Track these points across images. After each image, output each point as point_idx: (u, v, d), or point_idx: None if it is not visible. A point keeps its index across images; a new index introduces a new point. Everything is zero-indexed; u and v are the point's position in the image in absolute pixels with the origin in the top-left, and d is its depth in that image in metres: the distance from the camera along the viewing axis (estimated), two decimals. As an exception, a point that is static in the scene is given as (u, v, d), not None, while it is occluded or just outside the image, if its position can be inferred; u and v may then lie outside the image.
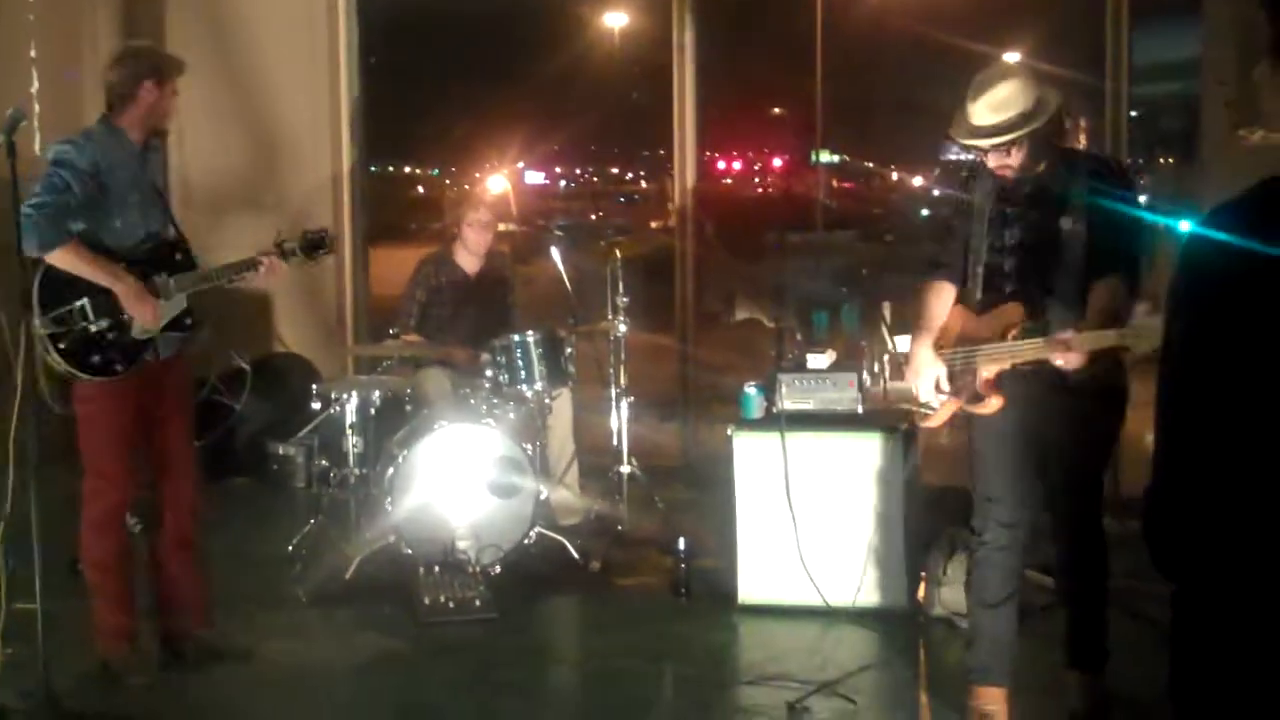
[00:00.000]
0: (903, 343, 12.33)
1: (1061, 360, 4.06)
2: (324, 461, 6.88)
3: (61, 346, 4.77)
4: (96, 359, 4.83)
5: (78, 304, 4.79)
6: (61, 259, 4.74)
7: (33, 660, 4.58)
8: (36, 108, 8.24)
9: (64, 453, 4.85)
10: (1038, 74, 4.47)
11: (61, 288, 4.78)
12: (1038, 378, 4.26)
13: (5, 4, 8.50)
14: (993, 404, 4.41)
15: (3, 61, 8.35)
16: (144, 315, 4.87)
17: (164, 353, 5.01)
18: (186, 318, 5.06)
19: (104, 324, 4.83)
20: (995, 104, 4.27)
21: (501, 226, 7.94)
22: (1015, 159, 4.30)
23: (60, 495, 4.58)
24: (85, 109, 8.48)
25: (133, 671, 5.03)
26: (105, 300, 4.82)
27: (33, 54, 8.41)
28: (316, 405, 6.78)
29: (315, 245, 5.37)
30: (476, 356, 6.59)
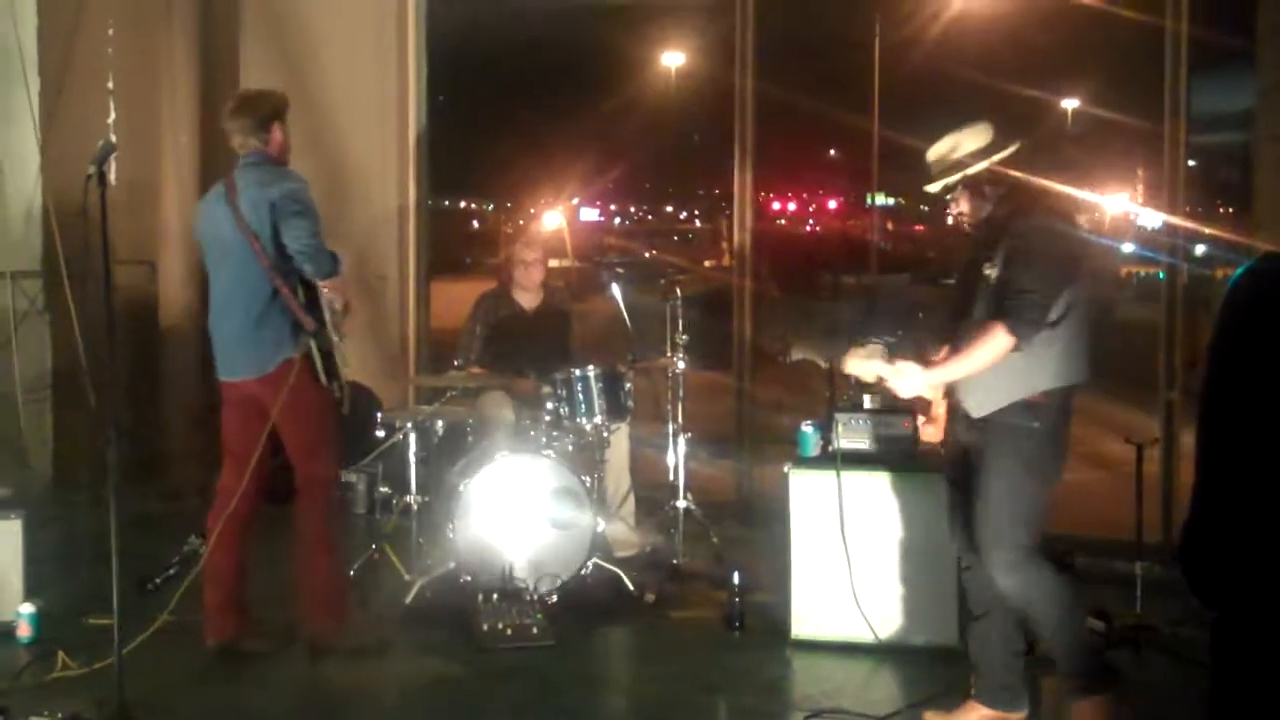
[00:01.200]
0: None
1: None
2: (386, 489, 7.03)
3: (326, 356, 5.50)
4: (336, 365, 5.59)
5: (328, 319, 5.53)
6: (337, 281, 5.51)
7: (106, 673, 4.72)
8: (113, 137, 8.47)
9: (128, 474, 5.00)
10: (1003, 128, 4.72)
11: (316, 309, 5.50)
12: (959, 413, 4.70)
13: (85, 36, 8.74)
14: (928, 432, 5.00)
15: (83, 92, 8.60)
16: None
17: None
18: None
19: (335, 336, 5.58)
20: (936, 152, 4.72)
21: (555, 262, 8.08)
22: (960, 205, 4.72)
23: (127, 515, 4.71)
24: (163, 135, 8.73)
25: (361, 642, 5.66)
26: (332, 317, 5.58)
27: (110, 85, 8.66)
28: (381, 434, 6.93)
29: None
30: (539, 386, 6.72)
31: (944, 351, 4.74)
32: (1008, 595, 4.63)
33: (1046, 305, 4.46)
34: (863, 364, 4.76)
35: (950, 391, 4.77)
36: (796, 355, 5.06)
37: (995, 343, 4.44)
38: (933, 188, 4.72)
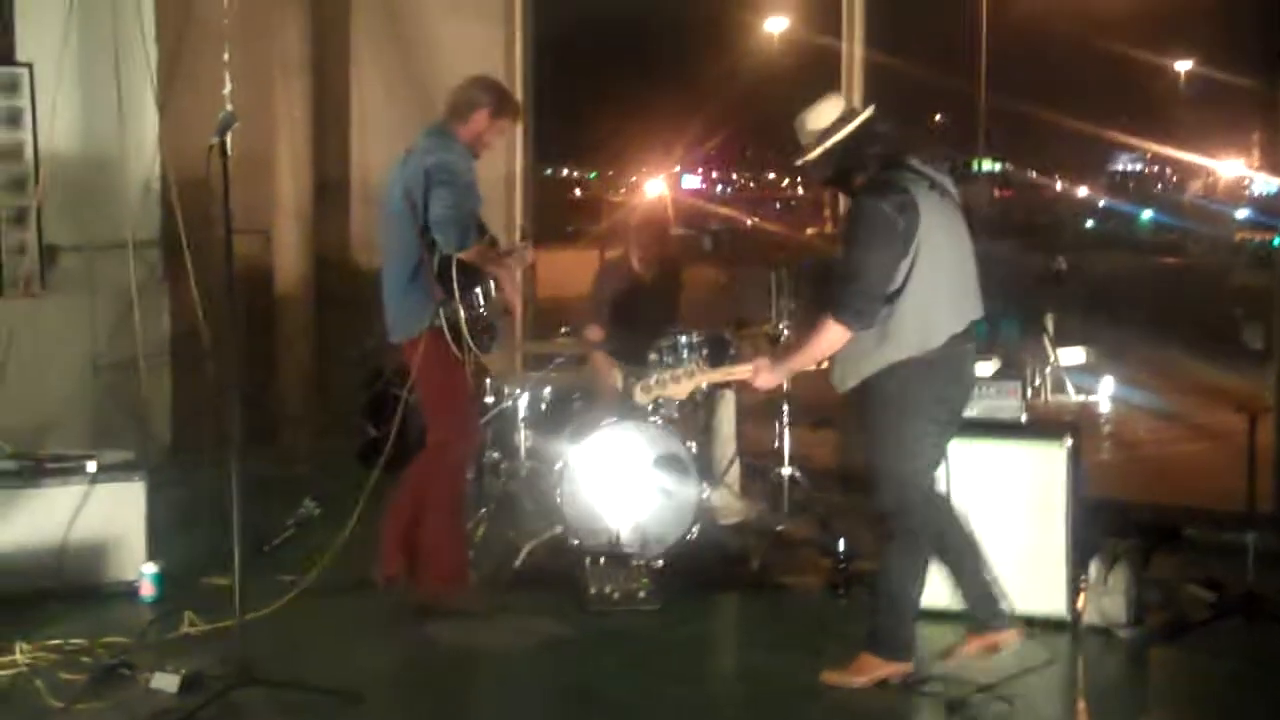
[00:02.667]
0: (1065, 355, 12.24)
1: None
2: (495, 454, 7.14)
3: (467, 329, 5.56)
4: (486, 338, 5.71)
5: (475, 291, 5.64)
6: (470, 253, 5.50)
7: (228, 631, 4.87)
8: (229, 107, 8.63)
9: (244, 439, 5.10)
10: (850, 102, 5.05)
11: (461, 278, 5.54)
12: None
13: (200, 8, 8.91)
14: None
15: (199, 64, 8.76)
16: (517, 301, 5.87)
17: None
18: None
19: (482, 307, 5.69)
20: (800, 125, 4.83)
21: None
22: (819, 176, 4.93)
23: (243, 479, 4.83)
24: (276, 107, 8.89)
25: (477, 603, 5.80)
26: (485, 287, 5.69)
27: (225, 57, 8.81)
28: (489, 399, 7.04)
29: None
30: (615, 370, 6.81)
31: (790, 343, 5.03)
32: (875, 536, 5.08)
33: (873, 291, 4.60)
34: (666, 389, 4.95)
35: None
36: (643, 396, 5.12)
37: (830, 334, 4.67)
38: (800, 160, 4.85)
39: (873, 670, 4.95)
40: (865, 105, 4.98)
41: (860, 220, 4.68)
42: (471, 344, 5.59)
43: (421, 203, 5.49)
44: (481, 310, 5.66)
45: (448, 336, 5.55)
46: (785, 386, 6.97)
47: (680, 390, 5.00)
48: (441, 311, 5.53)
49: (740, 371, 4.99)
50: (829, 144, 4.76)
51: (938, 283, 4.70)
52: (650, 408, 6.29)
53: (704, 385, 5.02)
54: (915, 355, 4.69)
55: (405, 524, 5.79)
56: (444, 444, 5.79)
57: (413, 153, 5.67)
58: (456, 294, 5.52)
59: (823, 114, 4.80)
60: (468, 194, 5.53)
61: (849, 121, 4.76)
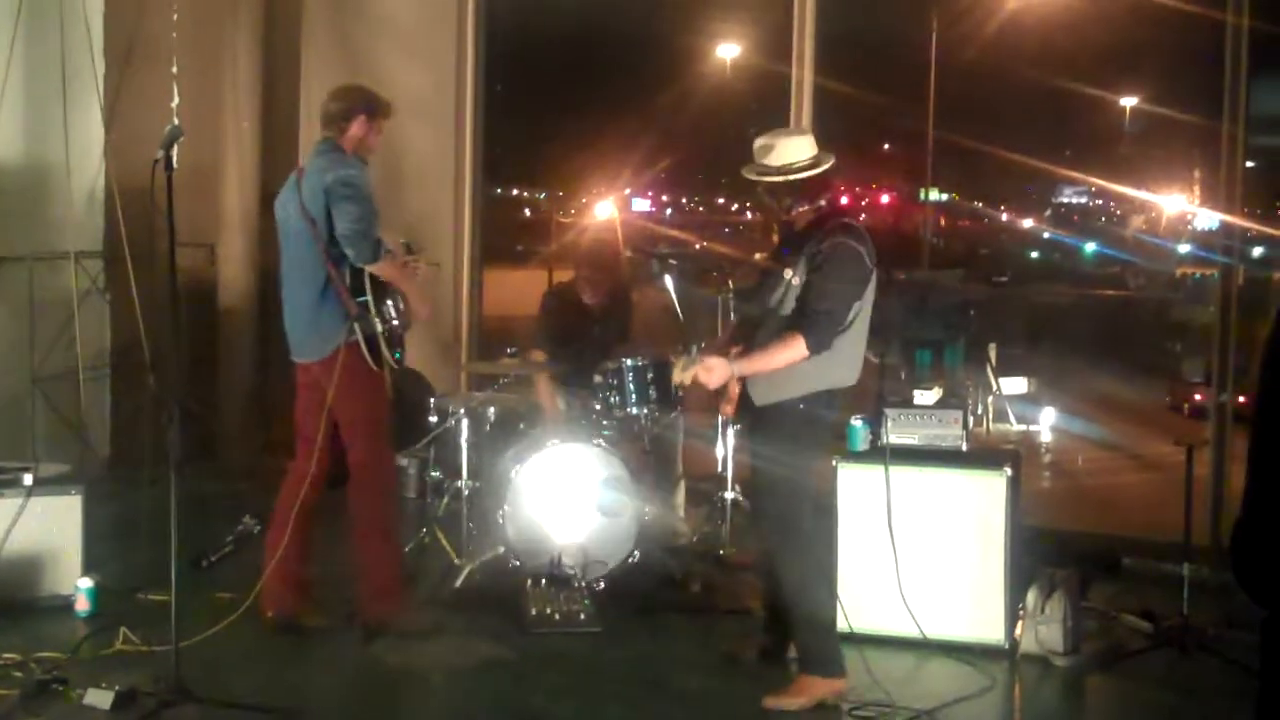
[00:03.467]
0: (1008, 384, 12.32)
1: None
2: (437, 473, 7.11)
3: (380, 344, 5.56)
4: (398, 352, 5.70)
5: (388, 303, 5.60)
6: (381, 267, 5.48)
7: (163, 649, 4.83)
8: (176, 120, 8.58)
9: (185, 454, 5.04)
10: (822, 144, 5.19)
11: (375, 292, 5.55)
12: (745, 395, 5.14)
13: (149, 20, 8.86)
14: (726, 410, 5.33)
15: (147, 75, 8.72)
16: (425, 310, 5.78)
17: None
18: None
19: (396, 320, 5.63)
20: (760, 145, 5.11)
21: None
22: (766, 203, 5.22)
23: (182, 494, 4.79)
24: (224, 121, 8.84)
25: (415, 624, 5.75)
26: (394, 301, 5.61)
27: (174, 69, 8.77)
28: (433, 419, 7.02)
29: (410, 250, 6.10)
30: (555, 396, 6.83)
31: (739, 349, 5.13)
32: (765, 544, 5.31)
33: (841, 321, 4.98)
34: (685, 372, 5.10)
35: (741, 378, 5.15)
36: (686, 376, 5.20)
37: (793, 351, 4.91)
38: (757, 178, 5.13)
39: (811, 690, 5.05)
40: (816, 131, 5.22)
41: (840, 259, 4.98)
42: (389, 357, 5.58)
43: (324, 219, 5.47)
44: (395, 323, 5.62)
45: (363, 351, 5.51)
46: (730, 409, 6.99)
47: (685, 376, 5.13)
48: (358, 326, 5.49)
49: (696, 370, 5.08)
50: (792, 178, 5.07)
51: (864, 330, 5.15)
52: (606, 423, 6.56)
53: (687, 381, 5.13)
54: (834, 388, 5.09)
55: (294, 561, 5.67)
56: (365, 465, 5.70)
57: (305, 171, 5.62)
58: (373, 308, 5.51)
59: (792, 149, 5.10)
60: (371, 207, 5.49)
61: (815, 166, 5.09)
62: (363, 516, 5.70)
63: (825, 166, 5.10)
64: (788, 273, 5.00)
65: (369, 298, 5.50)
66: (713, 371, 5.03)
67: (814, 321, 4.92)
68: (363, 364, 5.54)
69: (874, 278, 5.09)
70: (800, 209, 5.12)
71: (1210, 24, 7.12)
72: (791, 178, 5.07)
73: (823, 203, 5.13)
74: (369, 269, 5.48)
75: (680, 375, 5.12)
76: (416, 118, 9.01)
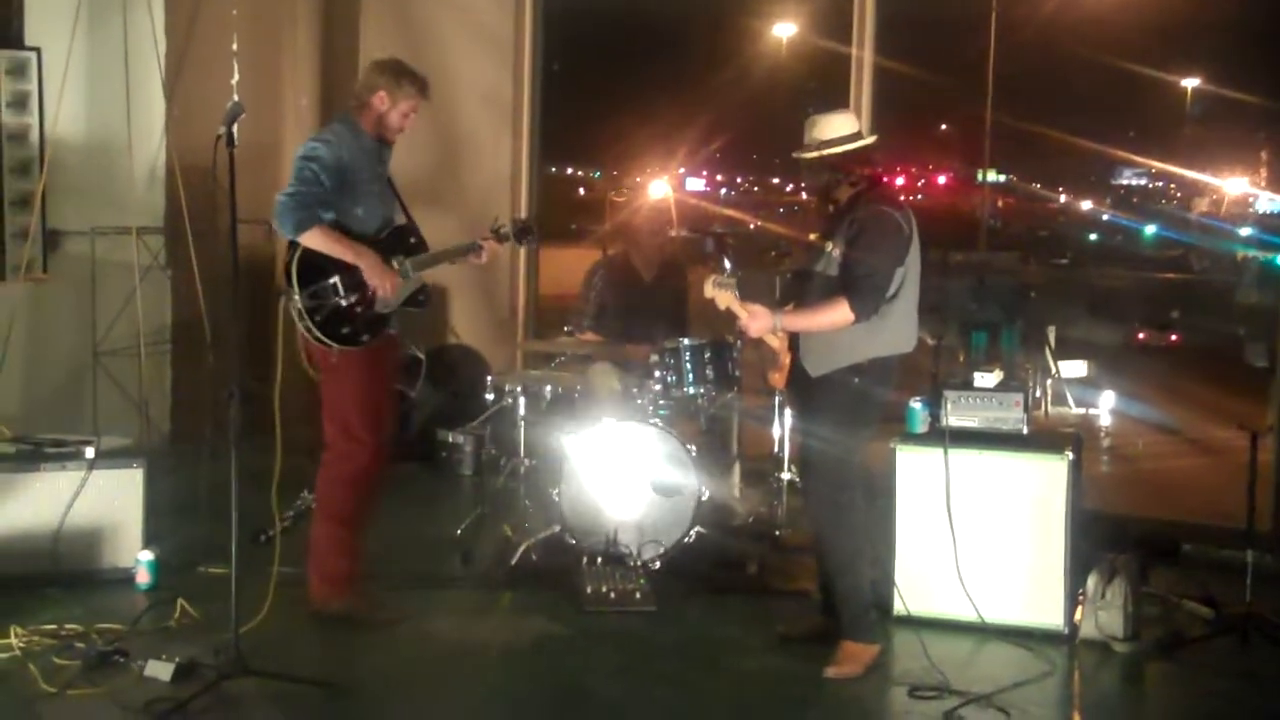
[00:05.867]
0: (1066, 368, 12.22)
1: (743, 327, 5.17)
2: (494, 451, 7.13)
3: (317, 319, 5.28)
4: (346, 330, 5.35)
5: (329, 281, 5.29)
6: (313, 239, 5.25)
7: (223, 620, 4.86)
8: (236, 97, 8.62)
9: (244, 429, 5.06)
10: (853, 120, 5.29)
11: (315, 267, 5.28)
12: (799, 368, 5.22)
13: (210, 0, 8.91)
14: (774, 378, 5.43)
15: (207, 53, 8.76)
16: (385, 287, 5.37)
17: (396, 328, 5.57)
18: (420, 294, 5.61)
19: (353, 298, 5.33)
20: (810, 125, 5.19)
21: (674, 232, 8.12)
22: (813, 179, 5.24)
23: (242, 469, 4.81)
24: (284, 97, 8.88)
25: (372, 610, 5.60)
26: (352, 278, 5.33)
27: (234, 47, 8.82)
28: (490, 396, 7.03)
29: (524, 231, 5.97)
30: (649, 353, 6.73)
31: (790, 307, 5.26)
32: (814, 522, 5.37)
33: (884, 286, 5.04)
34: (719, 291, 5.17)
35: (793, 349, 5.25)
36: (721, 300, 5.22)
37: (838, 314, 5.00)
38: (799, 155, 5.21)
39: (860, 656, 5.17)
40: (874, 111, 5.25)
41: (876, 225, 5.06)
42: (320, 335, 5.29)
43: None
44: (340, 300, 5.31)
45: (299, 328, 5.34)
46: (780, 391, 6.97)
47: (720, 297, 5.19)
48: (288, 303, 5.30)
49: (738, 308, 5.16)
50: (825, 153, 5.14)
51: (913, 298, 5.19)
52: (663, 402, 6.59)
53: (720, 305, 5.20)
54: (885, 356, 5.15)
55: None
56: (329, 448, 5.58)
57: None
58: (295, 283, 5.26)
59: (832, 126, 5.18)
60: (314, 180, 5.24)
61: (852, 141, 5.15)
62: (321, 501, 5.62)
63: (863, 143, 5.17)
64: (828, 245, 5.12)
65: (294, 272, 5.27)
66: (757, 319, 5.12)
67: (857, 287, 5.00)
68: (316, 345, 5.38)
69: (914, 245, 5.12)
70: (839, 184, 5.19)
71: (1274, 3, 6.99)
72: (828, 152, 5.13)
73: (861, 179, 5.18)
74: (302, 242, 5.24)
75: (711, 290, 5.18)
76: (475, 96, 9.05)
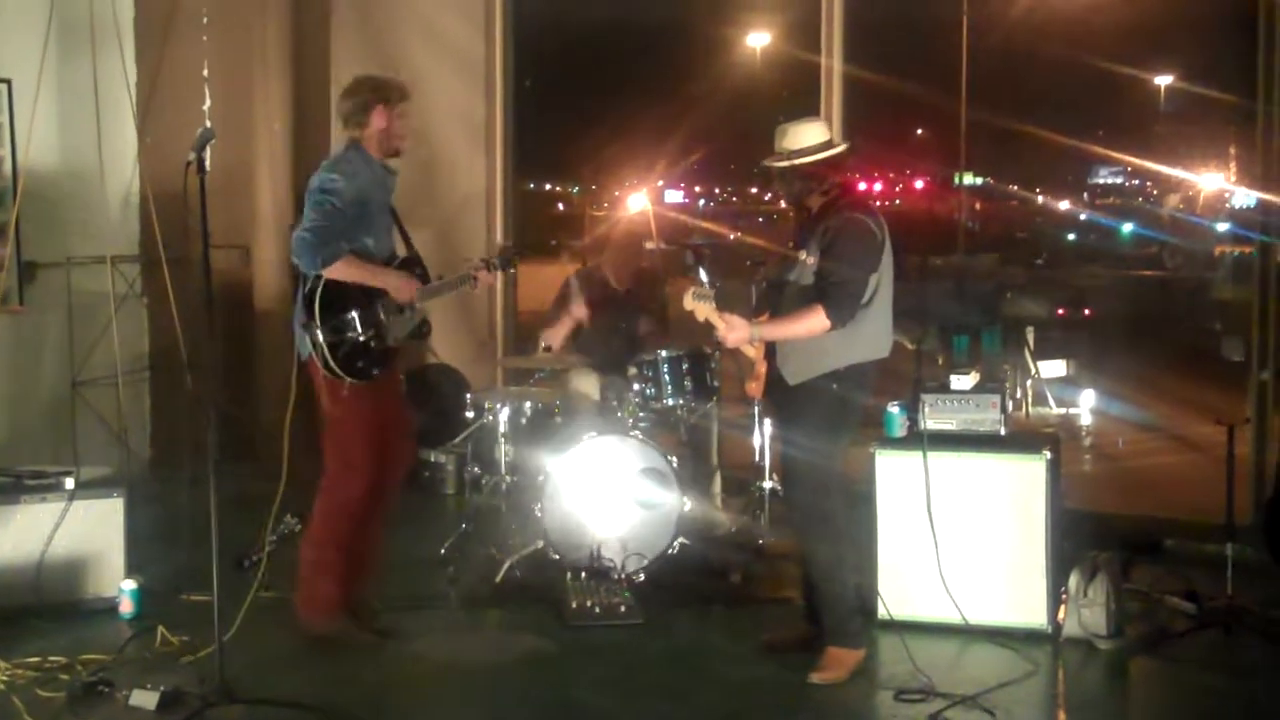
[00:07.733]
0: (1046, 368, 12.22)
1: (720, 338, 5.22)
2: (475, 469, 7.13)
3: (337, 354, 5.27)
4: (360, 364, 5.35)
5: (348, 315, 5.29)
6: (339, 271, 5.23)
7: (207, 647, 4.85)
8: (208, 123, 8.63)
9: (223, 455, 5.06)
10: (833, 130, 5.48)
11: (334, 301, 5.27)
12: (776, 376, 5.26)
13: (180, 24, 8.91)
14: (752, 388, 5.45)
15: (179, 79, 8.76)
16: (408, 294, 5.45)
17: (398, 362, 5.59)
18: (423, 326, 5.64)
19: (369, 333, 5.34)
20: (780, 134, 5.23)
21: (649, 245, 8.14)
22: (784, 188, 5.29)
23: (222, 494, 4.82)
24: (256, 123, 8.88)
25: (358, 634, 5.59)
26: (368, 313, 5.35)
27: (205, 73, 8.83)
28: (470, 414, 7.04)
29: (508, 261, 6.06)
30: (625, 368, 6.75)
31: (764, 317, 5.28)
32: (797, 530, 5.42)
33: (859, 293, 5.07)
34: (697, 303, 5.21)
35: (769, 358, 5.28)
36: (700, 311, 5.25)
37: (814, 321, 5.03)
38: (770, 164, 5.25)
39: (844, 662, 5.18)
40: (846, 119, 5.29)
41: (849, 232, 5.09)
42: (337, 370, 5.28)
43: None
44: (358, 336, 5.32)
45: (318, 362, 5.31)
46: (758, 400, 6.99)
47: (699, 309, 5.23)
48: (308, 337, 5.29)
49: (716, 319, 5.19)
50: (797, 163, 5.19)
51: (887, 303, 5.23)
52: (643, 414, 6.61)
53: (699, 317, 5.23)
54: (862, 362, 5.17)
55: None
56: (326, 475, 5.56)
57: None
58: (317, 317, 5.24)
59: (802, 135, 5.22)
60: (333, 214, 5.23)
61: (822, 151, 5.19)
62: (315, 525, 5.60)
63: (834, 152, 5.21)
64: (802, 254, 5.15)
65: (316, 306, 5.23)
66: (734, 329, 5.16)
67: (832, 294, 5.04)
68: (326, 376, 5.36)
69: (888, 251, 5.16)
70: (811, 193, 5.23)
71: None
72: (799, 162, 5.18)
73: (833, 187, 5.22)
74: (325, 275, 5.23)
75: (690, 303, 5.22)
76: (448, 116, 9.05)
